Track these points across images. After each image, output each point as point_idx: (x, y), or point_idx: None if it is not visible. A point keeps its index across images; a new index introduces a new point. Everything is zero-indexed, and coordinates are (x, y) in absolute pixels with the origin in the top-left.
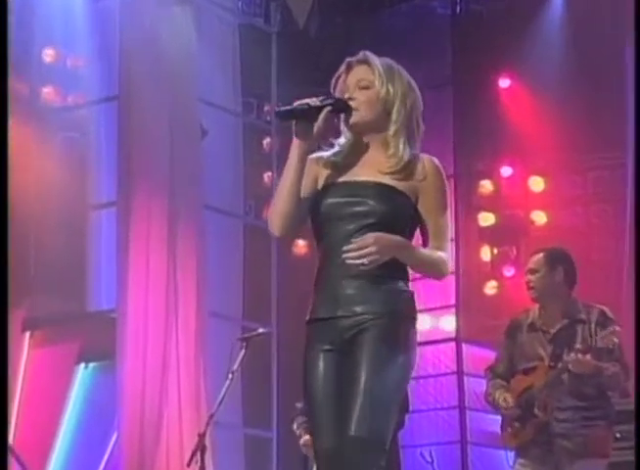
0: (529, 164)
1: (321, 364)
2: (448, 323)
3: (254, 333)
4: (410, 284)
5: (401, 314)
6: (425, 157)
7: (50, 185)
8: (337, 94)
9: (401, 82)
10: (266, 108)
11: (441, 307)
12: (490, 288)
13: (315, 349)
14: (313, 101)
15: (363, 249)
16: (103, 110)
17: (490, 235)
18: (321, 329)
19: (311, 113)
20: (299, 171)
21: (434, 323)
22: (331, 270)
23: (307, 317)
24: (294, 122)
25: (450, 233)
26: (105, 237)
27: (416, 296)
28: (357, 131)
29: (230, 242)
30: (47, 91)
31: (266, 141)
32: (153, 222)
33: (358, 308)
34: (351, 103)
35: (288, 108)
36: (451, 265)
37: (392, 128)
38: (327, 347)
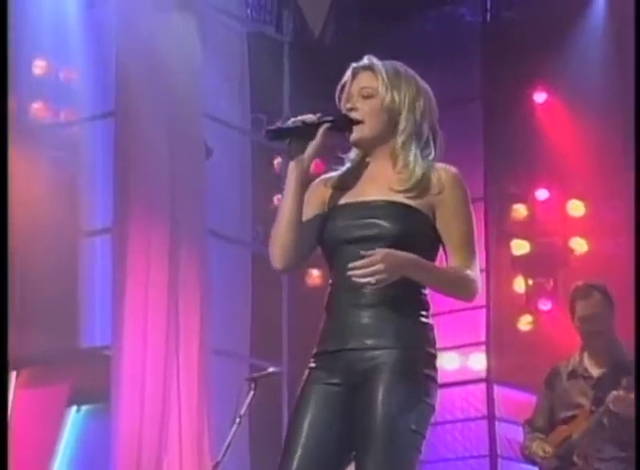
0: (568, 187)
1: (321, 398)
2: (478, 362)
3: (264, 373)
4: (433, 317)
5: (419, 349)
6: (440, 166)
7: (38, 210)
8: (342, 104)
9: (408, 87)
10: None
11: (470, 345)
12: (525, 323)
13: (317, 381)
14: (309, 118)
15: (370, 266)
16: (97, 127)
17: (525, 265)
18: (327, 362)
19: (307, 131)
20: (298, 197)
21: (463, 362)
22: (341, 298)
23: (314, 350)
24: (288, 143)
25: (478, 258)
26: (99, 267)
27: (442, 331)
28: (363, 146)
29: (237, 272)
30: (37, 107)
31: (277, 161)
32: (152, 251)
33: (370, 341)
34: (354, 114)
35: (280, 127)
36: (481, 285)
37: (400, 139)
38: (332, 380)
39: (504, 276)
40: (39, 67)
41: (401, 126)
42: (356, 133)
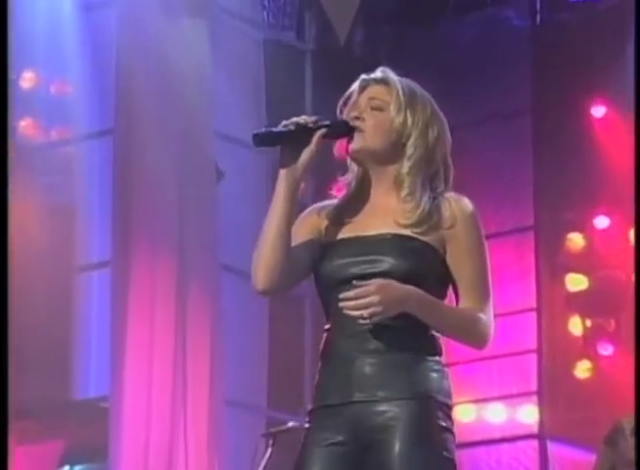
0: (630, 214)
1: (327, 461)
2: (529, 415)
3: (283, 427)
4: (476, 363)
5: (435, 400)
6: (451, 197)
7: (28, 241)
8: (345, 114)
9: (424, 109)
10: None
11: (519, 395)
12: (582, 370)
13: (319, 442)
14: (304, 120)
15: (363, 297)
16: (94, 147)
17: (582, 303)
18: (330, 419)
19: (301, 136)
20: (288, 212)
21: (511, 415)
22: (342, 344)
23: (310, 406)
24: (279, 150)
25: (492, 301)
26: (95, 306)
27: (487, 379)
28: (362, 160)
29: (253, 311)
30: (25, 124)
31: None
32: (156, 288)
33: (380, 392)
34: (358, 123)
35: (269, 130)
36: (493, 329)
37: (407, 165)
38: (337, 439)
39: (558, 316)
40: (27, 79)
41: (410, 150)
42: (357, 142)
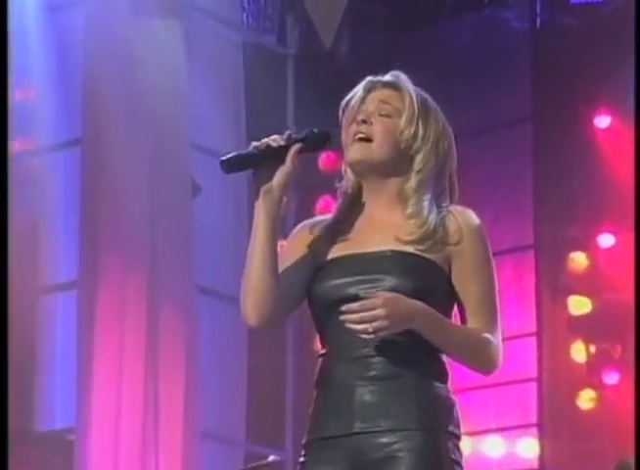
0: (638, 231)
1: None
2: (528, 448)
3: (263, 462)
4: (472, 392)
5: (444, 430)
6: (455, 210)
7: None
8: (348, 118)
9: (436, 123)
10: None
11: (519, 427)
12: (586, 400)
13: None
14: (274, 140)
15: (368, 310)
16: (60, 158)
17: (585, 327)
18: (327, 452)
19: (272, 157)
20: (270, 239)
21: (510, 448)
22: (340, 370)
23: (305, 438)
24: (252, 174)
25: (500, 323)
26: (61, 330)
27: (484, 410)
28: (363, 171)
29: (231, 336)
30: None
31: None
32: (127, 311)
33: (384, 422)
34: (364, 128)
35: (239, 154)
36: (502, 353)
37: (415, 180)
38: None
39: (560, 341)
40: None
41: (418, 165)
42: (361, 151)
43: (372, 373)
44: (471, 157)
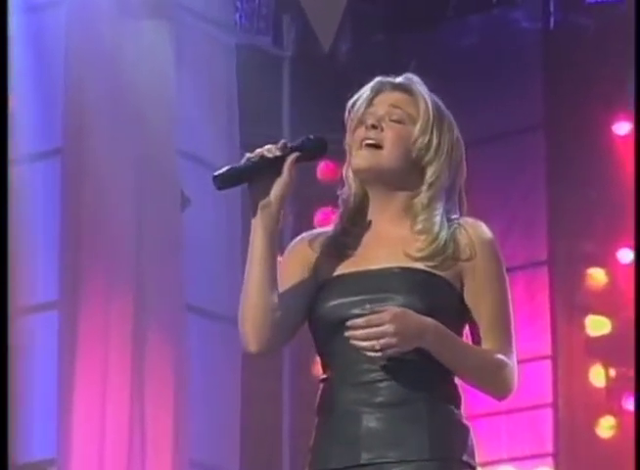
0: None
1: None
2: None
3: None
4: (482, 419)
5: (458, 460)
6: (466, 223)
7: None
8: (351, 123)
9: (450, 133)
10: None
11: (533, 457)
12: (605, 428)
13: None
14: (269, 150)
15: (375, 325)
16: (39, 169)
17: (604, 349)
18: None
19: (268, 168)
20: (269, 258)
21: None
22: (344, 396)
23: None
24: (247, 188)
25: (514, 339)
26: (40, 354)
27: (495, 438)
28: (370, 181)
29: (223, 360)
30: None
31: None
32: (111, 332)
33: (393, 453)
34: (373, 134)
35: (232, 168)
36: (517, 376)
37: (426, 194)
38: None
39: (577, 365)
40: None
41: (430, 178)
42: (369, 158)
43: (379, 399)
44: (479, 166)
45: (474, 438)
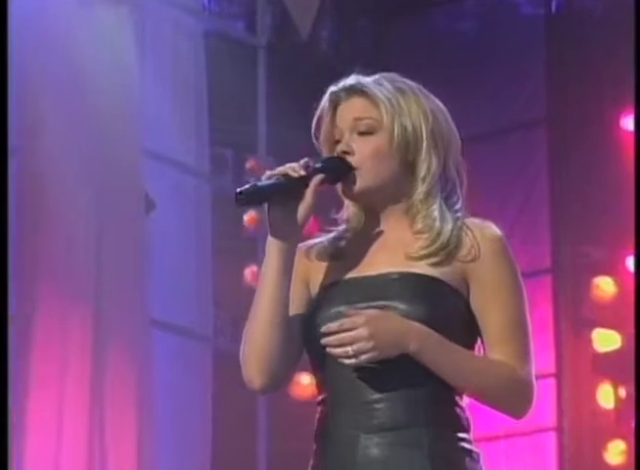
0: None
1: None
2: None
3: None
4: (480, 443)
5: None
6: (472, 223)
7: None
8: (324, 145)
9: (423, 109)
10: (248, 163)
11: None
12: (615, 453)
13: None
14: (293, 169)
15: (348, 330)
16: None
17: (613, 367)
18: None
19: (292, 188)
20: (284, 287)
21: None
22: (341, 420)
23: None
24: (266, 209)
25: (533, 354)
26: None
27: (496, 464)
28: (367, 202)
29: (192, 381)
30: None
31: (249, 216)
32: (69, 350)
33: None
34: (349, 159)
35: (257, 186)
36: (535, 390)
37: (422, 190)
38: None
39: (583, 384)
40: None
41: (422, 171)
42: (355, 183)
43: (376, 422)
44: (476, 166)
45: (484, 465)
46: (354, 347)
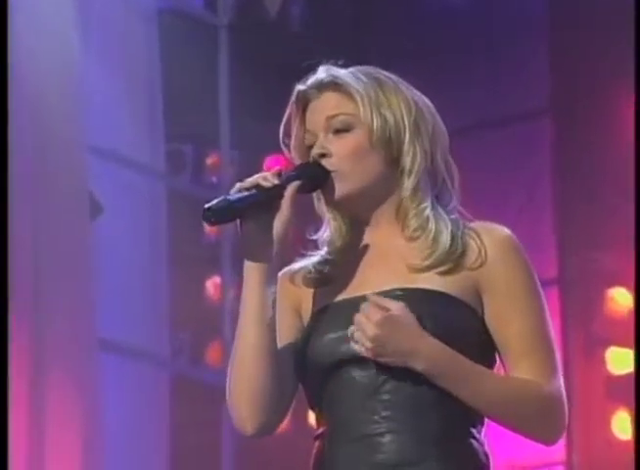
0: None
1: None
2: None
3: None
4: None
5: None
6: (478, 225)
7: None
8: (295, 150)
9: (403, 99)
10: (210, 160)
11: None
12: None
13: None
14: (265, 178)
15: (363, 324)
16: None
17: (630, 391)
18: None
19: (266, 201)
20: (267, 315)
21: None
22: (342, 455)
23: None
24: (238, 226)
25: (558, 364)
26: None
27: None
28: (351, 209)
29: (146, 406)
30: None
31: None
32: None
33: None
34: (325, 162)
35: (227, 201)
36: (566, 410)
37: (408, 184)
38: None
39: (596, 411)
40: None
41: (407, 164)
42: (337, 188)
43: (381, 457)
44: (472, 161)
45: None
46: (356, 334)
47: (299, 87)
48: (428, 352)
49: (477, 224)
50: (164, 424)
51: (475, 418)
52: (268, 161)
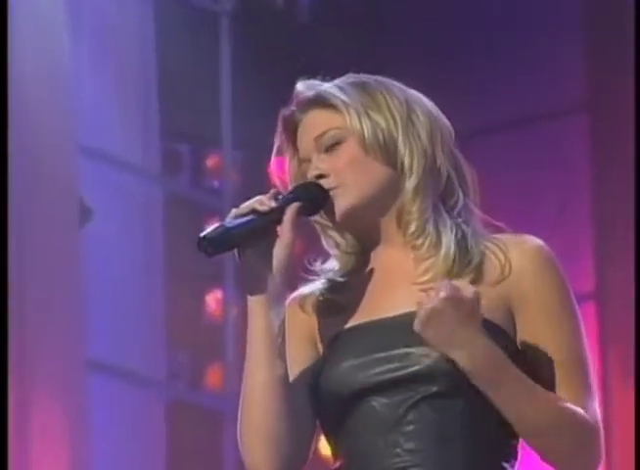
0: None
1: None
2: None
3: None
4: None
5: None
6: (505, 237)
7: None
8: (291, 174)
9: (394, 99)
10: (210, 161)
11: None
12: None
13: None
14: (260, 202)
15: (432, 297)
16: None
17: None
18: None
19: (265, 226)
20: (276, 351)
21: None
22: None
23: None
24: (237, 256)
25: (595, 390)
26: None
27: None
28: (356, 224)
29: (140, 435)
30: None
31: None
32: None
33: None
34: (323, 182)
35: (225, 228)
36: (602, 436)
37: (409, 185)
38: None
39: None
40: None
41: (406, 162)
42: (340, 203)
43: None
44: (499, 164)
45: None
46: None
47: (284, 113)
48: (477, 352)
49: (504, 235)
50: (160, 453)
51: (507, 451)
52: (274, 163)
